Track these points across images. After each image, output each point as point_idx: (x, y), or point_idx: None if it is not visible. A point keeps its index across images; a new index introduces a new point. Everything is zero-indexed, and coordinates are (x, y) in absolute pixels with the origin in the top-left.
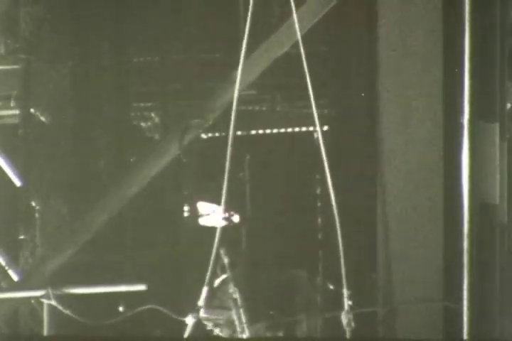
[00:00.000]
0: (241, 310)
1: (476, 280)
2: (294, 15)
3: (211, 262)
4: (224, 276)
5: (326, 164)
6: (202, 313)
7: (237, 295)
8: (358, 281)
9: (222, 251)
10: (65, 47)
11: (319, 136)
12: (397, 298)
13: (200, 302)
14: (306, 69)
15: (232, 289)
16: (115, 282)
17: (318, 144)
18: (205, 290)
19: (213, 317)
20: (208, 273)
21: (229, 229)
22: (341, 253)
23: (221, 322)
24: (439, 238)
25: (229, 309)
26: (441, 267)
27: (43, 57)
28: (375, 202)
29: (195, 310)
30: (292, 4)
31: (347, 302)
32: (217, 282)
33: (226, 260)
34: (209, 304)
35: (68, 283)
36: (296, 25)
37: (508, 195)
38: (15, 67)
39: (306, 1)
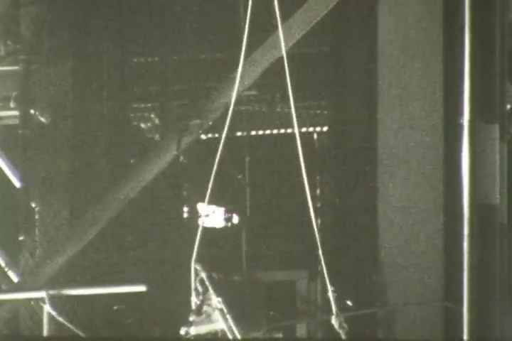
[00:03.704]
0: (229, 319)
1: (476, 280)
2: (278, 17)
3: (192, 278)
4: (205, 290)
5: (302, 165)
6: (192, 329)
7: (222, 305)
8: (358, 282)
9: (198, 267)
10: (64, 47)
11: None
12: (397, 299)
13: (190, 316)
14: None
15: (215, 300)
16: (115, 283)
17: (319, 145)
18: (192, 304)
19: (203, 331)
20: (192, 290)
21: (227, 229)
22: (321, 256)
23: (211, 335)
24: (439, 238)
25: (217, 321)
26: (441, 267)
27: (43, 57)
28: (375, 202)
29: (186, 323)
30: (277, 11)
31: (335, 305)
32: (200, 297)
33: (204, 274)
34: (197, 319)
35: (68, 284)
36: (281, 35)
37: (508, 195)
38: (15, 67)
39: (307, 1)
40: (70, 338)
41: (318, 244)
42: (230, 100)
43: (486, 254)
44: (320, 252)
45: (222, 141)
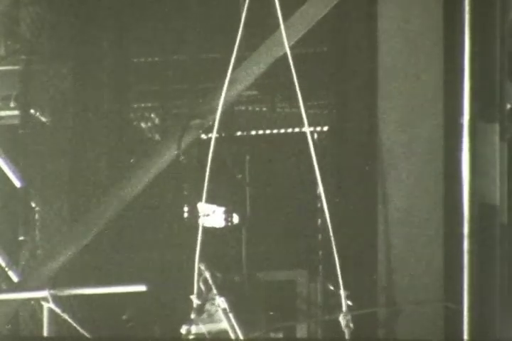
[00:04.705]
0: (232, 319)
1: (477, 280)
2: (280, 18)
3: (195, 277)
4: (208, 289)
5: (315, 164)
6: (194, 329)
7: (225, 305)
8: (359, 282)
9: (202, 266)
10: (65, 47)
11: (308, 136)
12: (397, 299)
13: (192, 315)
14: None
15: (219, 299)
16: (115, 283)
17: (319, 144)
18: (194, 303)
19: (205, 330)
20: (195, 289)
21: (227, 229)
22: (335, 254)
23: (213, 334)
24: (439, 238)
25: (220, 321)
26: (442, 268)
27: (43, 57)
28: (375, 202)
29: (187, 322)
30: (278, 12)
31: (345, 304)
32: (202, 296)
33: (207, 273)
34: (199, 318)
35: (68, 284)
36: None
37: (508, 195)
38: (15, 67)
39: (307, 1)
40: (70, 338)
41: (333, 244)
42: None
43: (486, 254)
44: (334, 251)
45: (212, 141)
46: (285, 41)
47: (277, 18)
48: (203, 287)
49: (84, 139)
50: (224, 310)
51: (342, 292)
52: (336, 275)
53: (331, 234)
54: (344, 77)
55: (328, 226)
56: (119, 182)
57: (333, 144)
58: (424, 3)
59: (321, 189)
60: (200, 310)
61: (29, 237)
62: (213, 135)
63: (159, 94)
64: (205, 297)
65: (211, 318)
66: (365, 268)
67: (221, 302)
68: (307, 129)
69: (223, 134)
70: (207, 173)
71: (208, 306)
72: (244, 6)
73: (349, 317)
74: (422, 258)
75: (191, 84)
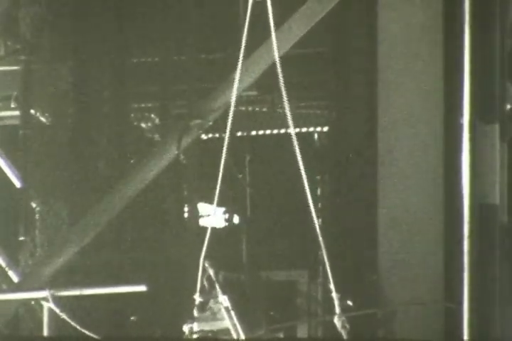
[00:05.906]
0: (234, 317)
1: (477, 280)
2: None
3: (199, 275)
4: (211, 287)
5: (301, 165)
6: (196, 326)
7: (228, 303)
8: (358, 282)
9: (207, 264)
10: (65, 47)
11: (293, 137)
12: (397, 299)
13: (195, 313)
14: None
15: (221, 298)
16: (115, 283)
17: (319, 145)
18: (197, 301)
19: (207, 328)
20: (198, 287)
21: (227, 230)
22: (325, 257)
23: (215, 332)
24: (439, 238)
25: (222, 319)
26: (442, 268)
27: (43, 58)
28: (375, 202)
29: (190, 320)
30: (270, 15)
31: (338, 306)
32: (205, 294)
33: (211, 271)
34: (202, 316)
35: (68, 284)
36: (274, 39)
37: (508, 195)
38: (15, 68)
39: (307, 2)
40: (70, 338)
41: (322, 244)
42: (230, 100)
43: (486, 254)
44: (324, 253)
45: (225, 143)
46: (274, 43)
47: (278, 17)
48: (206, 284)
49: (84, 139)
50: (226, 308)
51: (334, 294)
52: (336, 276)
53: (320, 235)
54: (344, 78)
55: (316, 227)
56: (119, 182)
57: (333, 144)
58: (424, 3)
59: (307, 190)
60: (203, 307)
61: (29, 237)
62: (227, 134)
63: (159, 94)
64: (208, 294)
65: (214, 316)
66: (365, 268)
67: (224, 300)
68: (292, 131)
69: (223, 135)
70: (220, 173)
71: (211, 304)
72: (246, 6)
73: (344, 318)
74: (422, 259)
75: (191, 84)
